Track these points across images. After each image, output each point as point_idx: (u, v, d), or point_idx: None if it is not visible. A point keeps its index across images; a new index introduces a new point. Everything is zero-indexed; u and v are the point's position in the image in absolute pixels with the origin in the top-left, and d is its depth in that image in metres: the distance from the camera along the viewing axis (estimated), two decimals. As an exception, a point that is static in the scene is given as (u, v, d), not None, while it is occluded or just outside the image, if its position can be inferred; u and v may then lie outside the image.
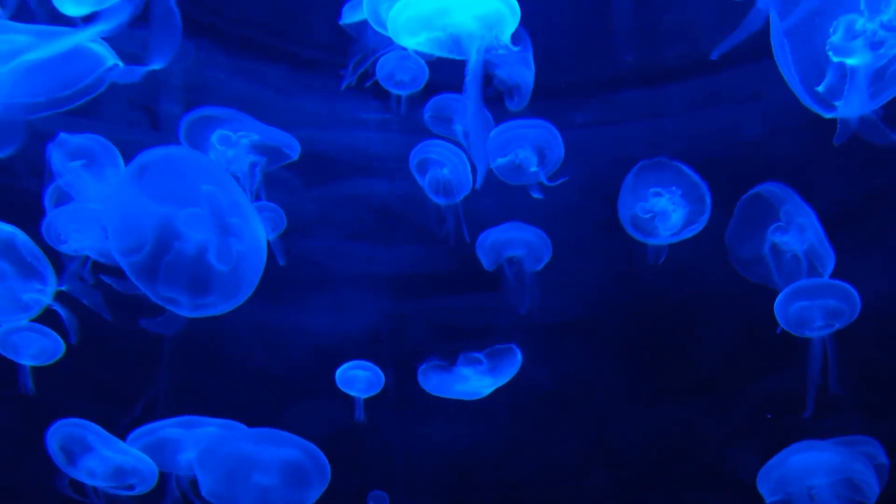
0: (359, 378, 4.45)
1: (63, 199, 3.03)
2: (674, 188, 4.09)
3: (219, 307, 2.21)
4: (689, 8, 3.74)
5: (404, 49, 4.00)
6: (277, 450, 3.04)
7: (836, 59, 1.85)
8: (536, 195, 4.26)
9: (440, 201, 4.27)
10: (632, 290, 4.43)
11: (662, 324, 4.63)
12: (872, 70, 1.85)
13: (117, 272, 2.28)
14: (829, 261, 3.85)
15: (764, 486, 3.48)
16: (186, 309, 2.21)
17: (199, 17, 4.03)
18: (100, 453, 3.81)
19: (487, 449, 4.90)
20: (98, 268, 2.68)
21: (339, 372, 4.45)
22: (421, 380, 4.50)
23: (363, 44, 4.06)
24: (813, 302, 3.57)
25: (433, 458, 4.89)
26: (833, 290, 3.55)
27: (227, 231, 2.16)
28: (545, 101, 3.97)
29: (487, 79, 4.21)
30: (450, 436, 4.96)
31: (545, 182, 4.19)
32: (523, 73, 4.13)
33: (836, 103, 1.95)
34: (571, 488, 4.78)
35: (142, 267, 2.12)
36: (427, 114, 4.28)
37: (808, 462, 3.35)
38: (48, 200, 3.08)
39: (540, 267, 4.43)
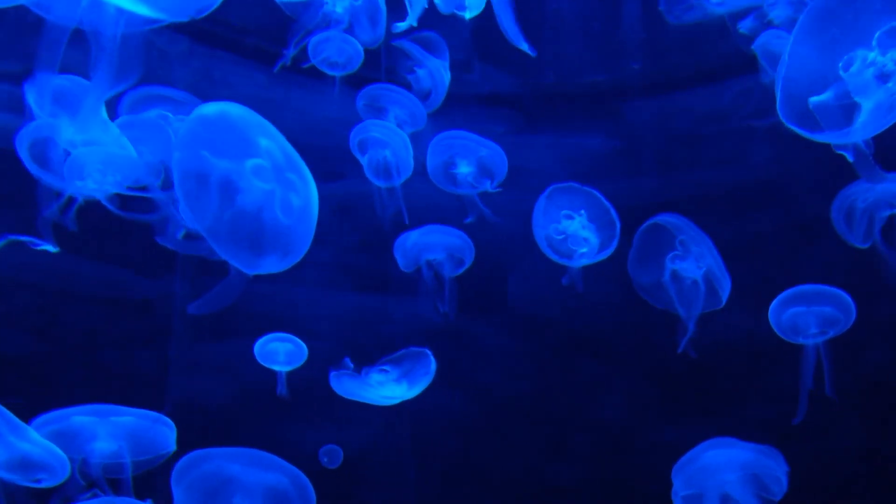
0: (279, 351, 4.29)
1: (38, 140, 2.87)
2: (583, 212, 4.36)
3: (277, 265, 2.19)
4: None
5: (341, 31, 4.07)
6: (264, 474, 2.94)
7: (851, 91, 2.14)
8: (469, 219, 4.40)
9: (380, 184, 4.25)
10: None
11: (604, 331, 4.85)
12: (877, 101, 2.17)
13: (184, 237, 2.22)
14: (727, 285, 4.22)
15: (678, 479, 3.65)
16: (247, 266, 2.16)
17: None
18: (4, 440, 3.52)
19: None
20: (155, 231, 2.56)
21: (257, 346, 4.27)
22: (333, 385, 4.44)
23: (301, 24, 4.06)
24: (809, 308, 3.60)
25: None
26: (830, 297, 3.58)
27: (286, 185, 2.17)
28: (552, 108, 4.12)
29: (404, 79, 4.36)
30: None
31: (480, 205, 4.36)
32: (441, 76, 4.32)
33: (834, 130, 2.24)
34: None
35: (206, 223, 2.07)
36: (360, 101, 4.30)
37: (722, 458, 3.56)
38: (20, 142, 2.90)
39: (461, 271, 4.49)
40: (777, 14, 3.88)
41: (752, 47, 4.03)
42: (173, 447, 3.38)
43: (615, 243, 4.29)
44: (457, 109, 4.36)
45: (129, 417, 3.59)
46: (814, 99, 2.24)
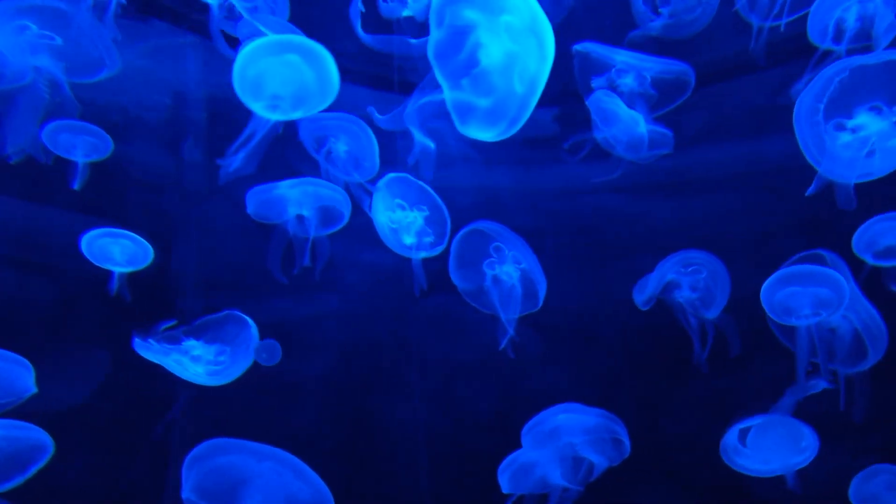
0: (113, 249, 3.73)
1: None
2: (421, 206, 4.43)
3: (490, 133, 2.10)
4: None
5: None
6: (294, 481, 2.74)
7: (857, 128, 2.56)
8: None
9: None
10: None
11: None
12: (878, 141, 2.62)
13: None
14: (542, 287, 4.47)
15: (526, 440, 3.82)
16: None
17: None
18: None
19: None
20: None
21: (84, 242, 3.64)
22: (138, 350, 3.73)
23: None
24: (805, 289, 3.55)
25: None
26: (826, 278, 3.55)
27: (529, 49, 2.11)
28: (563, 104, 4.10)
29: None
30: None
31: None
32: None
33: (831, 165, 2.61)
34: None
35: (448, 75, 1.96)
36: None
37: (570, 421, 3.84)
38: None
39: (335, 230, 4.29)
40: (624, 83, 4.30)
41: (587, 103, 4.30)
42: (33, 389, 3.20)
43: (445, 241, 4.40)
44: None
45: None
46: (841, 139, 2.70)
